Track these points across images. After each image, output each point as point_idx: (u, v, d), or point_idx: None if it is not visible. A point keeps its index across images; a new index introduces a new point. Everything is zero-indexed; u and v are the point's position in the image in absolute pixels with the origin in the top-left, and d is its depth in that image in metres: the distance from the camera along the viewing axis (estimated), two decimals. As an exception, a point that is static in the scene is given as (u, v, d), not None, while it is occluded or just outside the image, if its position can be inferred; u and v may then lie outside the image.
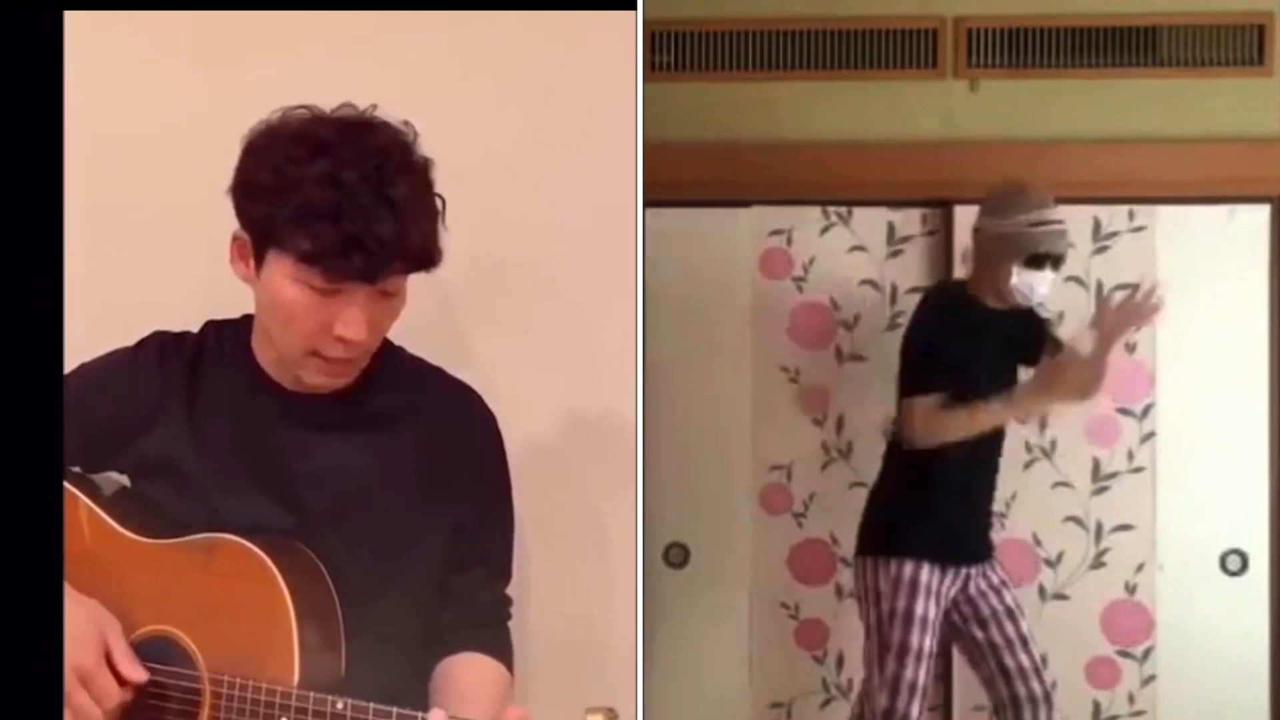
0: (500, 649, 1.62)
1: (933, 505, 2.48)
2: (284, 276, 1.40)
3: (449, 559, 1.58)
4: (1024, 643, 2.49)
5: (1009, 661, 2.49)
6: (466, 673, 1.56)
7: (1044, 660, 2.50)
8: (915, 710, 2.45)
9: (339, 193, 1.35)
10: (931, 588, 2.46)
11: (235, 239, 1.47)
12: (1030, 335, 2.54)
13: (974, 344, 2.45)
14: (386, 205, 1.36)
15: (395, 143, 1.42)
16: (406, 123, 1.45)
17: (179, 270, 1.82)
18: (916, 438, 2.44)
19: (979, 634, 2.53)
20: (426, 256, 1.43)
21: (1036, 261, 2.42)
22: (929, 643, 2.45)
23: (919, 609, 2.45)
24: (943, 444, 2.43)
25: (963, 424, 2.43)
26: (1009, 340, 2.51)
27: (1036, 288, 2.44)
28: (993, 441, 2.52)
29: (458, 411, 1.62)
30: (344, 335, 1.40)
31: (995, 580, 2.53)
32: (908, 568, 2.46)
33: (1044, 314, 2.56)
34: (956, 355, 2.43)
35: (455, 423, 1.60)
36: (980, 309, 2.49)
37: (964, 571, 2.51)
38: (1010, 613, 2.51)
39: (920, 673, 2.45)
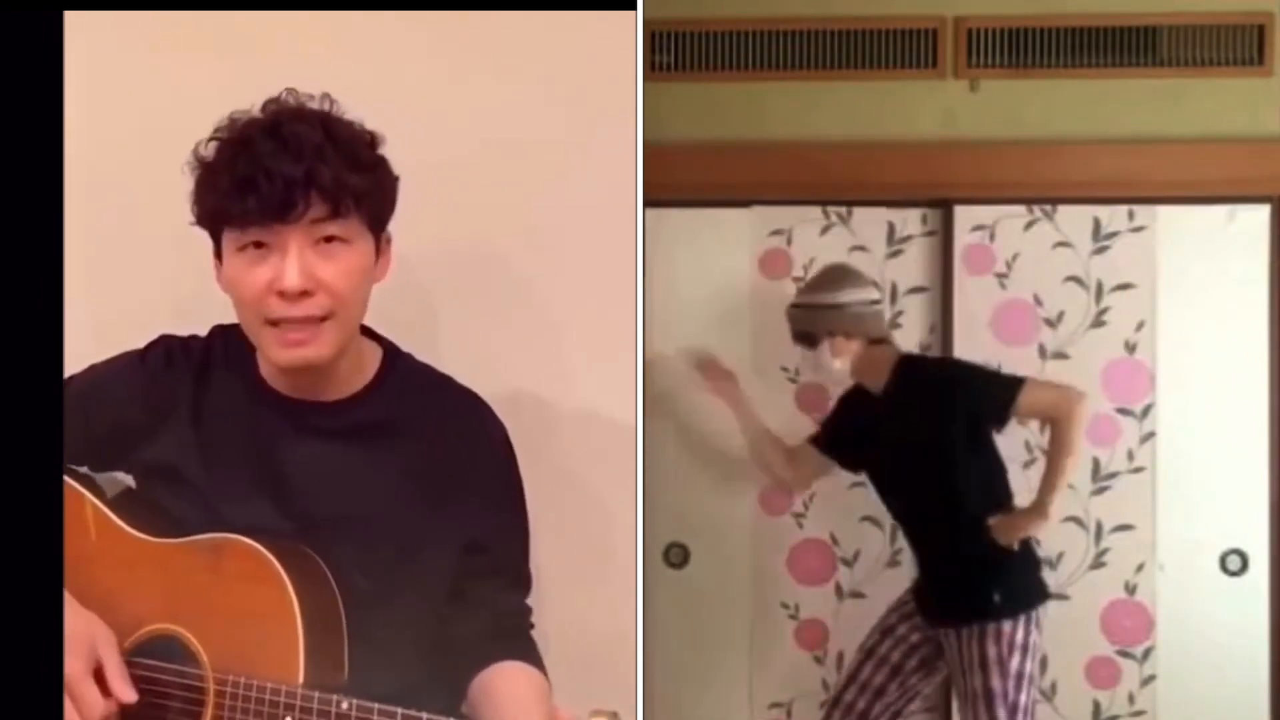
0: (531, 656, 1.62)
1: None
2: (229, 253, 1.44)
3: (465, 570, 1.58)
4: (989, 698, 2.35)
5: None
6: (507, 682, 1.56)
7: None
8: None
9: (239, 147, 1.41)
10: (889, 624, 2.58)
11: (215, 257, 1.48)
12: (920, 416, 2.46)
13: (848, 423, 2.65)
14: (281, 147, 1.39)
15: (295, 106, 1.46)
16: (324, 95, 1.48)
17: (178, 270, 1.82)
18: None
19: (955, 682, 2.51)
20: (347, 194, 1.42)
21: (802, 341, 2.58)
22: (877, 678, 2.54)
23: (871, 640, 2.59)
24: (774, 479, 2.82)
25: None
26: (892, 430, 2.50)
27: (813, 366, 2.58)
28: (909, 508, 2.55)
29: (468, 421, 1.62)
30: (280, 287, 1.41)
31: (975, 657, 2.38)
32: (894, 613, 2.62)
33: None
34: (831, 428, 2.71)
35: (465, 432, 1.60)
36: (859, 390, 2.61)
37: (927, 629, 2.52)
38: (985, 664, 2.37)
39: (860, 699, 2.55)
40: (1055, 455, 2.42)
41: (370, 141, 1.49)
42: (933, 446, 2.44)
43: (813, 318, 2.55)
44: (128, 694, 1.43)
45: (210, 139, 1.45)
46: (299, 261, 1.40)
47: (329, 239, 1.43)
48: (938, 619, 2.50)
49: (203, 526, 1.48)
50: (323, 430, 1.52)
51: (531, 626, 1.69)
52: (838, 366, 2.54)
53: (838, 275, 2.60)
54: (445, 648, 1.58)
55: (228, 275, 1.45)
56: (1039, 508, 2.40)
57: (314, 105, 1.47)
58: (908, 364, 2.54)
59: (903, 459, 2.50)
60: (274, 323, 1.43)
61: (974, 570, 2.43)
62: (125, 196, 1.84)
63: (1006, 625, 2.39)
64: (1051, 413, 2.44)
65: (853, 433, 2.63)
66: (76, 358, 1.57)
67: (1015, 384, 2.43)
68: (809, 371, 2.62)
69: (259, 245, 1.41)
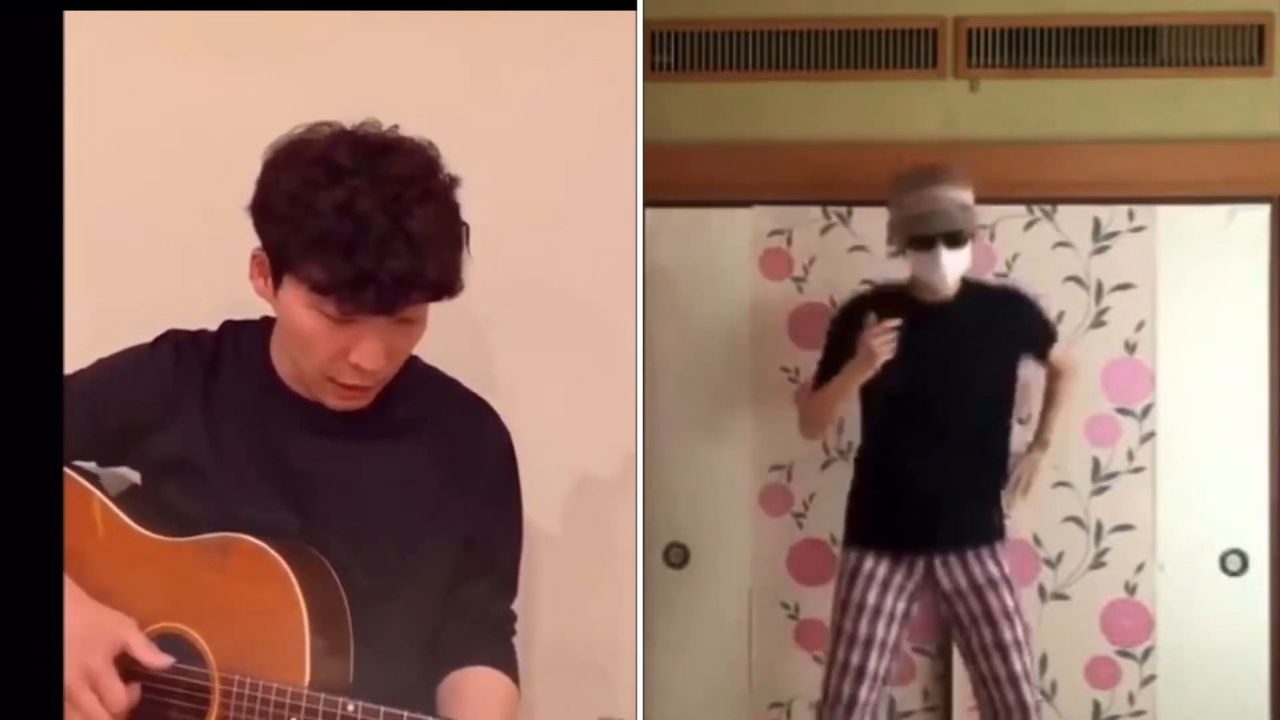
0: (507, 663, 1.62)
1: (875, 493, 2.54)
2: (300, 303, 1.39)
3: (459, 571, 1.58)
4: (1002, 650, 2.43)
5: (984, 669, 2.46)
6: (474, 685, 1.56)
7: (1026, 671, 2.43)
8: (862, 694, 2.46)
9: (354, 224, 1.32)
10: (877, 576, 2.49)
11: (254, 256, 1.45)
12: (985, 328, 2.46)
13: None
14: (403, 238, 1.33)
15: (416, 168, 1.39)
16: (430, 144, 1.43)
17: (178, 269, 1.83)
18: (800, 428, 2.64)
19: (960, 637, 2.52)
20: (446, 287, 1.41)
21: (923, 243, 2.39)
22: (880, 631, 2.46)
23: (858, 596, 2.49)
24: (818, 428, 2.61)
25: (814, 401, 2.56)
26: (943, 348, 2.42)
27: (932, 271, 2.39)
28: (945, 424, 2.45)
29: (472, 425, 1.62)
30: (360, 364, 1.40)
31: (979, 578, 2.46)
32: (852, 557, 2.53)
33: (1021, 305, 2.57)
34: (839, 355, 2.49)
35: (469, 435, 1.60)
36: (906, 307, 2.42)
37: (920, 561, 2.47)
38: (989, 616, 2.44)
39: (869, 659, 2.46)
40: (1061, 399, 2.68)
41: (464, 232, 1.45)
42: (997, 364, 2.52)
43: (968, 216, 2.39)
44: (161, 660, 1.43)
45: (303, 163, 1.36)
46: (383, 344, 1.41)
47: (407, 320, 1.43)
48: (943, 544, 2.47)
49: (211, 522, 1.48)
50: (330, 428, 1.52)
51: (514, 633, 1.68)
52: (966, 269, 2.44)
53: (957, 171, 2.44)
54: (433, 649, 1.58)
55: (293, 319, 1.41)
56: (1045, 442, 2.69)
57: (440, 178, 1.42)
58: (975, 282, 2.52)
59: (964, 375, 2.45)
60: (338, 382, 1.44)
61: (988, 494, 2.55)
62: (125, 196, 1.85)
63: (1000, 547, 2.52)
64: (1067, 364, 2.69)
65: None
66: (77, 357, 1.57)
67: (1056, 334, 2.66)
68: (935, 275, 2.39)
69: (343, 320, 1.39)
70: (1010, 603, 2.46)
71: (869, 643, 2.46)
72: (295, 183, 1.36)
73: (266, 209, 1.39)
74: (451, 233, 1.42)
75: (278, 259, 1.40)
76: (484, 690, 1.55)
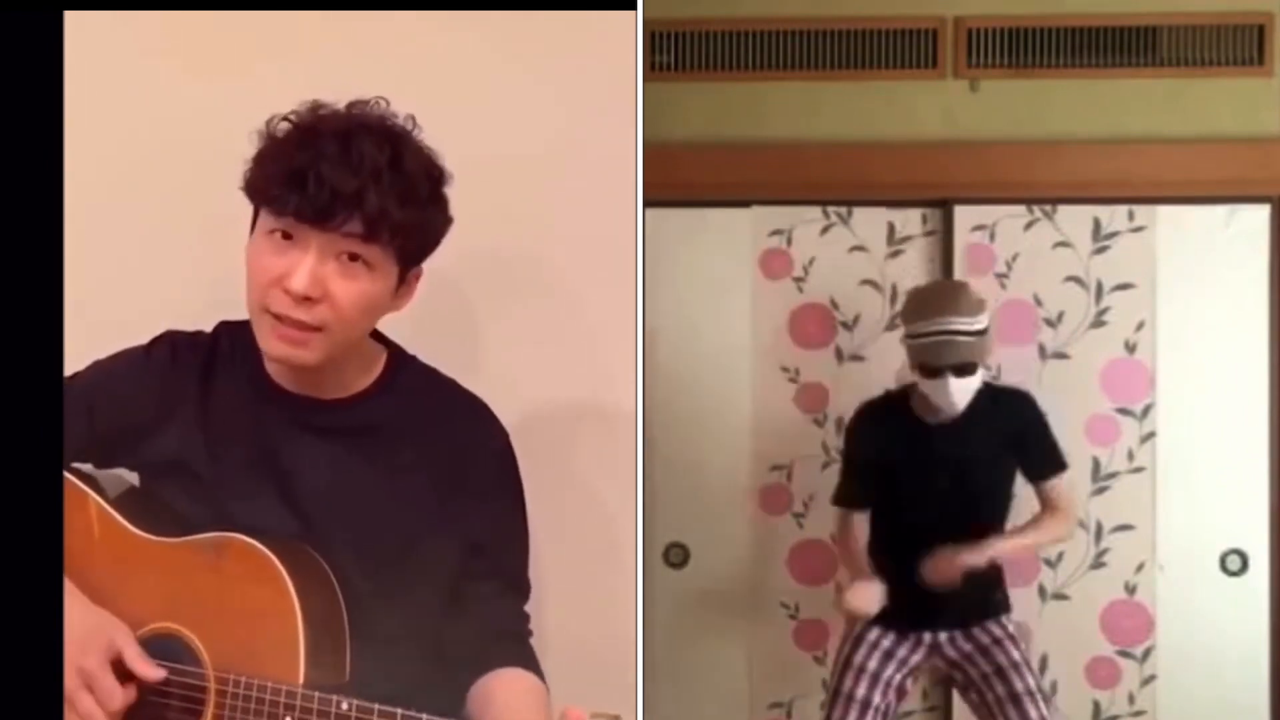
0: (530, 663, 1.62)
1: (888, 571, 2.50)
2: (259, 231, 1.44)
3: (464, 573, 1.58)
4: (1015, 700, 2.43)
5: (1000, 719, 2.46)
6: (506, 688, 1.55)
7: (1042, 718, 2.42)
8: None
9: (303, 137, 1.41)
10: (882, 645, 2.51)
11: (252, 225, 1.48)
12: (981, 447, 2.45)
13: (891, 453, 2.48)
14: (344, 156, 1.39)
15: (376, 117, 1.45)
16: (409, 116, 1.47)
17: (178, 270, 1.83)
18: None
19: (974, 697, 2.52)
20: (390, 227, 1.41)
21: (933, 372, 2.37)
22: (876, 697, 2.48)
23: (860, 659, 2.51)
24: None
25: (842, 558, 2.67)
26: (942, 452, 2.43)
27: (941, 397, 2.38)
28: (964, 512, 2.46)
29: (470, 425, 1.61)
30: (288, 285, 1.40)
31: (985, 640, 2.49)
32: (858, 625, 2.53)
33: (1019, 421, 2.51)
34: (872, 464, 2.52)
35: (467, 436, 1.60)
36: (908, 418, 2.46)
37: (926, 637, 2.50)
38: (1000, 671, 2.46)
39: None
40: (1034, 532, 2.53)
41: (436, 178, 1.48)
42: (1001, 468, 2.50)
43: (978, 345, 2.36)
44: (154, 672, 1.44)
45: (284, 117, 1.44)
46: (315, 268, 1.40)
47: (353, 256, 1.42)
48: (947, 625, 2.51)
49: (207, 523, 1.48)
50: (326, 429, 1.52)
51: (530, 634, 1.68)
52: (975, 389, 2.40)
53: (969, 296, 2.41)
54: (443, 650, 1.58)
55: (250, 251, 1.45)
56: (986, 549, 2.44)
57: (399, 123, 1.46)
58: (985, 385, 2.47)
59: (969, 485, 2.47)
60: (272, 314, 1.43)
61: (991, 578, 2.52)
62: (124, 197, 1.85)
63: (1004, 617, 2.53)
64: (1061, 506, 2.53)
65: (895, 459, 2.51)
66: (77, 357, 1.57)
67: (1062, 463, 2.52)
68: (944, 401, 2.38)
69: (287, 236, 1.41)
70: (1018, 656, 2.47)
71: (866, 706, 2.49)
72: (280, 136, 1.45)
73: (252, 164, 1.46)
74: (409, 183, 1.43)
75: (251, 199, 1.46)
76: (514, 689, 1.55)
